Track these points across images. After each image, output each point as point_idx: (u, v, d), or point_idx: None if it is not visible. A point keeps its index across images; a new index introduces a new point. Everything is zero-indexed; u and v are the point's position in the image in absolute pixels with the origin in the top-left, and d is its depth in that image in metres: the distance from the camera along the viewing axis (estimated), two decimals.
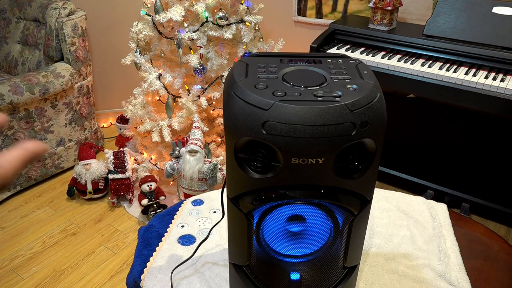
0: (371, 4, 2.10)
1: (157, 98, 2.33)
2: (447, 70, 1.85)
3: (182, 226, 1.11)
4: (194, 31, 2.10)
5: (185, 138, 2.11)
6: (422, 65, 1.91)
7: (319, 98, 0.61)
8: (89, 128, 2.64)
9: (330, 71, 0.70)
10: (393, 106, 2.31)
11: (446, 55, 1.93)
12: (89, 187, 2.22)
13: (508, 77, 1.77)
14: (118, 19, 2.83)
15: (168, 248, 1.03)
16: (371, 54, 2.04)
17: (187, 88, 2.23)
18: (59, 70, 2.34)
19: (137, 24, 2.14)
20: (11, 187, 2.29)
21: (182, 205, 1.21)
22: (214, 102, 2.33)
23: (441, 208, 1.17)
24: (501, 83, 1.72)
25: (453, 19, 1.93)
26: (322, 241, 0.73)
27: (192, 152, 1.97)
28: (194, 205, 1.20)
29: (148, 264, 0.98)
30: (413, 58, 1.98)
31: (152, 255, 1.01)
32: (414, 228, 1.09)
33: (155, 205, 2.12)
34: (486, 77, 1.77)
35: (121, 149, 2.30)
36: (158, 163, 2.34)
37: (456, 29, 1.92)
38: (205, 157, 2.05)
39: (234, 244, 0.75)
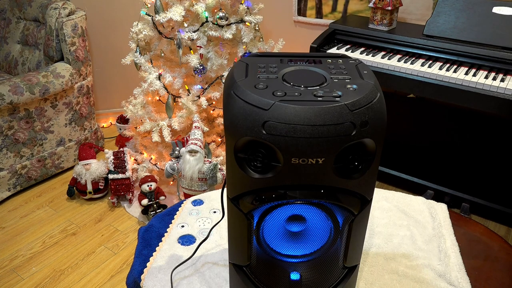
0: (371, 4, 2.10)
1: (157, 98, 2.33)
2: (447, 70, 1.85)
3: (182, 226, 1.11)
4: (194, 31, 2.10)
5: (185, 138, 2.11)
6: (422, 65, 1.91)
7: (319, 98, 0.61)
8: (89, 128, 2.64)
9: (330, 71, 0.70)
10: (393, 106, 2.31)
11: (446, 55, 1.93)
12: (89, 187, 2.22)
13: (508, 77, 1.77)
14: (118, 19, 2.83)
15: (168, 248, 1.03)
16: (371, 54, 2.04)
17: (187, 88, 2.23)
18: (59, 70, 2.34)
19: (137, 24, 2.14)
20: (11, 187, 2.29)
21: (182, 205, 1.21)
22: (214, 102, 2.33)
23: (441, 208, 1.17)
24: (501, 83, 1.72)
25: (453, 19, 1.93)
26: (322, 241, 0.73)
27: (192, 152, 1.97)
28: (194, 205, 1.20)
29: (148, 264, 0.98)
30: (413, 58, 1.98)
31: (152, 255, 1.01)
32: (414, 228, 1.09)
33: (155, 205, 2.12)
34: (486, 77, 1.77)
35: (121, 149, 2.30)
36: (158, 163, 2.34)
37: (456, 29, 1.92)
38: (205, 157, 2.05)
39: (234, 244, 0.75)
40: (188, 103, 2.13)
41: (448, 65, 1.90)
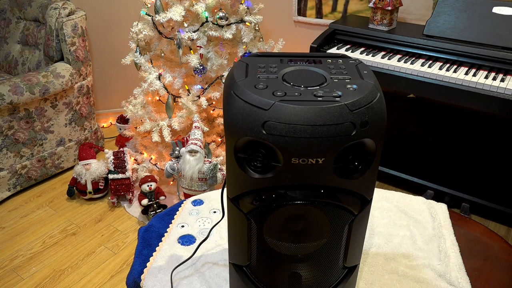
0: (371, 4, 2.10)
1: (157, 98, 2.33)
2: (447, 70, 1.85)
3: (182, 226, 1.11)
4: (194, 31, 2.10)
5: (185, 138, 2.11)
6: (422, 65, 1.91)
7: (319, 98, 0.61)
8: (89, 128, 2.64)
9: (330, 71, 0.70)
10: (393, 106, 2.31)
11: (446, 55, 1.93)
12: (89, 187, 2.22)
13: (508, 77, 1.77)
14: (118, 19, 2.83)
15: (168, 248, 1.03)
16: (371, 54, 2.04)
17: (187, 88, 2.23)
18: (59, 70, 2.34)
19: (137, 24, 2.14)
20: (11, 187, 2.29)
21: (182, 205, 1.21)
22: (214, 102, 2.33)
23: (441, 208, 1.17)
24: (501, 83, 1.72)
25: (453, 19, 1.93)
26: (322, 241, 0.73)
27: (192, 152, 1.97)
28: (194, 205, 1.20)
29: (148, 264, 0.98)
30: (413, 58, 1.98)
31: (152, 255, 1.01)
32: (414, 228, 1.09)
33: (155, 205, 2.12)
34: (486, 77, 1.77)
35: (121, 149, 2.30)
36: (158, 163, 2.34)
37: (456, 29, 1.92)
38: (205, 157, 2.05)
39: (234, 244, 0.75)
40: (188, 103, 2.13)
41: (448, 65, 1.90)
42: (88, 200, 2.30)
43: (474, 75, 1.79)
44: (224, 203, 1.11)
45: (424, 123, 2.25)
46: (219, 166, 2.00)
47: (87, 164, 2.21)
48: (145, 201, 2.10)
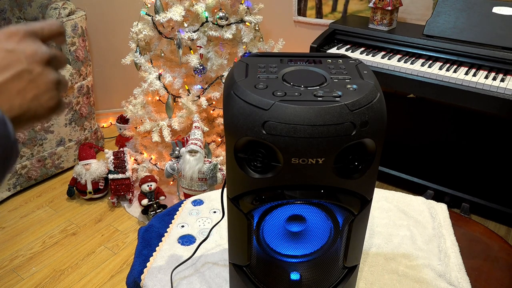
0: (371, 4, 2.10)
1: (157, 98, 2.33)
2: (447, 70, 1.85)
3: (182, 226, 1.11)
4: (194, 31, 2.10)
5: (185, 138, 2.11)
6: (422, 65, 1.91)
7: (319, 98, 0.61)
8: (89, 128, 2.64)
9: (330, 71, 0.70)
10: (393, 106, 2.31)
11: (446, 55, 1.93)
12: (89, 187, 2.22)
13: (508, 77, 1.77)
14: (118, 19, 2.83)
15: (168, 248, 1.03)
16: (371, 54, 2.04)
17: (187, 88, 2.23)
18: None
19: (137, 24, 2.14)
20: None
21: (182, 205, 1.21)
22: (214, 102, 2.33)
23: (441, 208, 1.17)
24: (501, 83, 1.72)
25: (453, 19, 1.93)
26: (322, 241, 0.73)
27: (192, 152, 1.97)
28: (194, 205, 1.20)
29: (148, 264, 0.98)
30: (413, 58, 1.98)
31: (152, 255, 1.01)
32: (414, 228, 1.09)
33: (155, 205, 2.12)
34: (486, 77, 1.77)
35: (121, 149, 2.30)
36: (158, 163, 2.34)
37: (456, 29, 1.92)
38: (205, 157, 2.05)
39: (234, 244, 0.75)
40: (188, 103, 2.13)
41: (448, 65, 1.90)
42: (88, 200, 2.30)
43: (474, 75, 1.79)
44: (224, 203, 1.11)
45: (424, 123, 2.25)
46: (219, 166, 2.00)
47: (87, 164, 2.21)
48: (145, 201, 2.10)
